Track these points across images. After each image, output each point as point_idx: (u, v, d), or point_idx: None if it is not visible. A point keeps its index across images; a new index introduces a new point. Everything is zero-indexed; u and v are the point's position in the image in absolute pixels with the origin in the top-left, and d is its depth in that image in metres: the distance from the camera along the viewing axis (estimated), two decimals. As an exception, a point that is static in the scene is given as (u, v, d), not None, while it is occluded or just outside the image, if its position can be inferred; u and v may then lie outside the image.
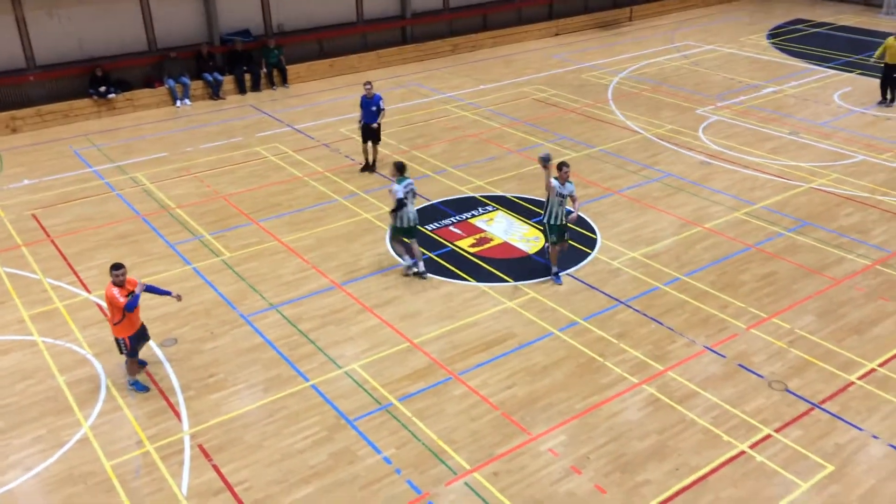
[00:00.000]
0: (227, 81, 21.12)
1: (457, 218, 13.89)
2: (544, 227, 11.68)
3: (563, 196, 11.28)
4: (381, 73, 22.71)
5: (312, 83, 22.24)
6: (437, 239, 13.16)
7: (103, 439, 8.70)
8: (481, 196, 14.71)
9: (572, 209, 11.56)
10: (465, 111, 19.49)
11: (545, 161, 11.10)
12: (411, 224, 11.66)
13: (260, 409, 9.21)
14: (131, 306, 9.02)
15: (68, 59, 19.51)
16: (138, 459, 8.42)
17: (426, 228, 13.41)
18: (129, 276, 9.18)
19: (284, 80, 21.93)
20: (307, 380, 9.69)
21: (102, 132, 18.44)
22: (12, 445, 8.63)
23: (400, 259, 12.15)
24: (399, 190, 11.47)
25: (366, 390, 9.48)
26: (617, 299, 11.31)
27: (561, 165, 11.27)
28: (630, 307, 11.11)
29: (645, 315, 10.91)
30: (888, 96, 19.14)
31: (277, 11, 22.43)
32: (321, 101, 20.69)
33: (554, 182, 11.20)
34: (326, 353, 10.20)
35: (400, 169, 11.74)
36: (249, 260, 12.47)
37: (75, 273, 12.15)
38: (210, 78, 20.79)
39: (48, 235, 13.35)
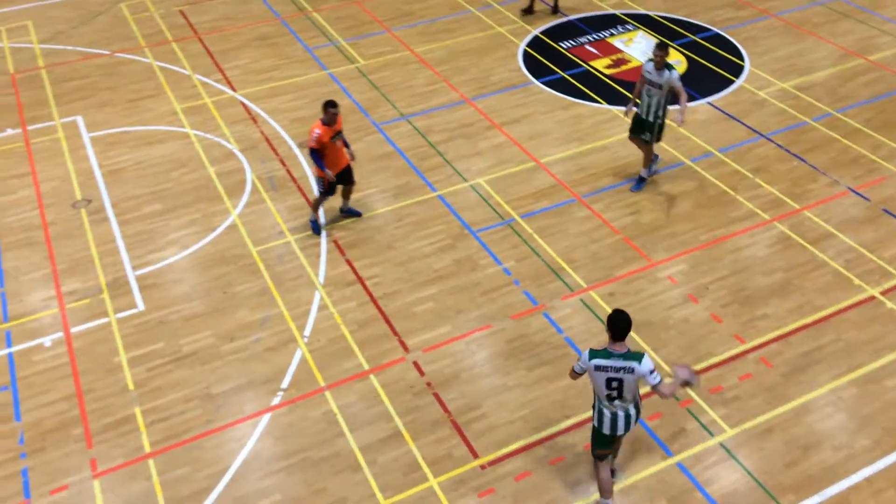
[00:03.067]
0: None
1: (594, 36, 13.28)
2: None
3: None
4: None
5: None
6: (571, 58, 12.72)
7: (250, 227, 9.49)
8: (622, 13, 13.91)
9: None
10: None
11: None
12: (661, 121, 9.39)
13: (390, 213, 9.69)
14: (317, 157, 8.62)
15: None
16: (281, 248, 9.18)
17: (560, 46, 12.95)
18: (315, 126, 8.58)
19: None
20: (434, 190, 10.02)
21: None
22: (170, 225, 9.57)
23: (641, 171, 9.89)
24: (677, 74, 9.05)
25: (490, 205, 9.73)
26: (758, 132, 10.77)
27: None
28: (772, 141, 10.59)
29: (787, 151, 10.39)
30: None
31: None
32: None
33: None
34: (454, 165, 10.43)
35: (662, 50, 8.96)
36: (383, 69, 12.57)
37: (221, 71, 12.68)
38: None
39: (195, 32, 13.85)
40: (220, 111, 11.65)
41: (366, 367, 7.74)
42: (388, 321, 8.22)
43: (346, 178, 9.19)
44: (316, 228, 9.37)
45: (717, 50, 12.74)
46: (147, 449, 7.03)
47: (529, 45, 13.12)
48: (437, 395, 7.44)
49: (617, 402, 5.79)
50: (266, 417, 7.29)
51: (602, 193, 9.85)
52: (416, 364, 7.76)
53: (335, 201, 9.55)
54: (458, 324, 8.16)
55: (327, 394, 7.48)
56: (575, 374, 5.91)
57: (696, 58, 12.58)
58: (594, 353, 5.69)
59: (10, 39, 13.70)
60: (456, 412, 7.28)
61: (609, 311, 8.13)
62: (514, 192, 9.94)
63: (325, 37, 13.56)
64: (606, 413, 5.89)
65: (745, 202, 9.60)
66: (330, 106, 8.56)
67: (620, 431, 5.95)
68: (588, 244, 9.12)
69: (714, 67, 12.27)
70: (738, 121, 11.05)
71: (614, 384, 5.68)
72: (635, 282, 8.60)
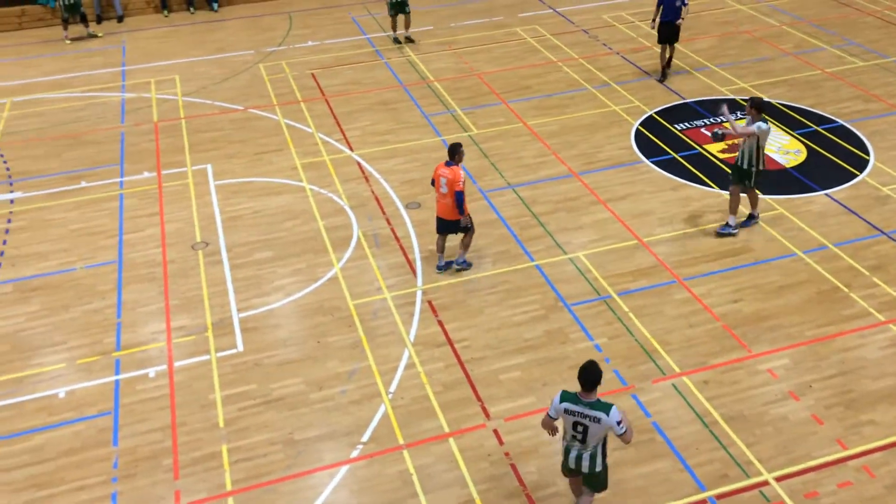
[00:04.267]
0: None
1: (710, 120, 13.14)
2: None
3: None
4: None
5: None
6: (684, 139, 12.61)
7: (350, 281, 9.82)
8: (742, 99, 13.71)
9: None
10: (741, 5, 17.91)
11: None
12: (762, 167, 10.03)
13: (486, 278, 9.79)
14: (463, 198, 9.21)
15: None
16: (377, 303, 9.43)
17: (675, 127, 12.89)
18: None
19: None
20: (532, 259, 10.06)
21: (378, 1, 19.47)
22: (277, 272, 10.03)
23: (729, 219, 10.32)
24: (764, 126, 9.69)
25: (587, 279, 9.67)
26: (879, 229, 10.25)
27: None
28: (893, 240, 10.03)
29: (909, 251, 9.82)
30: None
31: None
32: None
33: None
34: (555, 237, 10.46)
35: (759, 108, 9.77)
36: (494, 138, 12.87)
37: (342, 131, 13.36)
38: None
39: (323, 94, 14.71)
40: (336, 168, 12.23)
41: (446, 429, 7.75)
42: (472, 386, 8.23)
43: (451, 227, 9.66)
44: (466, 264, 9.89)
45: (841, 142, 12.32)
46: (228, 487, 7.27)
47: (643, 124, 13.13)
48: (514, 467, 7.33)
49: (578, 444, 6.13)
50: (344, 469, 7.39)
51: (704, 278, 9.59)
52: (496, 432, 7.70)
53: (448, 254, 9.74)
54: (543, 396, 8.06)
55: (405, 452, 7.52)
56: (549, 419, 6.22)
57: (817, 148, 12.20)
58: (565, 396, 6.04)
59: (158, 91, 15.00)
60: (532, 486, 7.14)
61: (703, 400, 7.88)
62: (613, 268, 9.84)
63: (443, 105, 14.07)
64: (570, 450, 6.24)
65: (860, 300, 9.09)
66: (461, 146, 9.32)
67: (582, 470, 6.24)
68: (685, 328, 8.86)
69: (836, 159, 11.85)
70: (858, 216, 10.56)
71: (579, 428, 6.05)
72: (732, 372, 8.25)
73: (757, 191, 10.37)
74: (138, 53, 16.84)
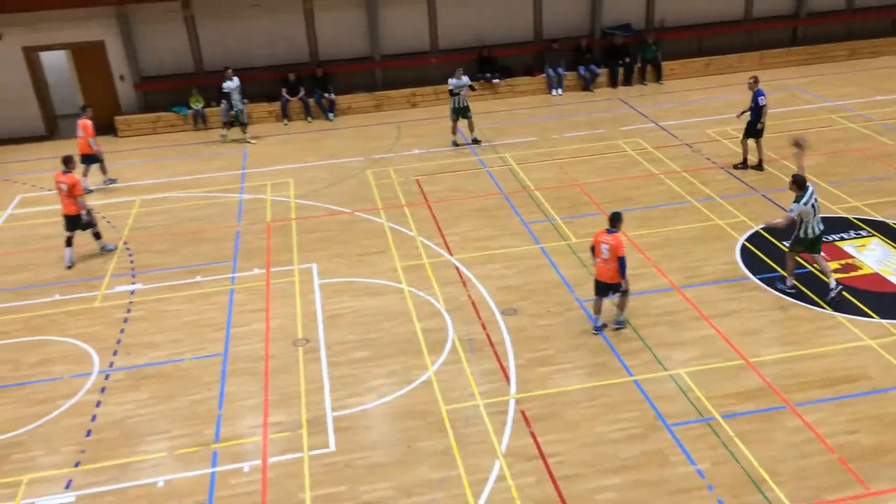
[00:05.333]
0: (601, 74, 21.67)
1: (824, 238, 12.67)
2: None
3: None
4: (761, 75, 21.35)
5: (685, 81, 21.80)
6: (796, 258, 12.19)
7: (443, 385, 9.81)
8: (855, 218, 13.24)
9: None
10: (852, 123, 17.57)
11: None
12: (816, 234, 10.97)
13: (582, 391, 9.57)
14: (624, 262, 10.14)
15: (464, 45, 21.69)
16: (469, 410, 9.34)
17: (783, 244, 12.52)
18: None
19: (658, 77, 21.82)
20: (631, 374, 9.79)
21: (483, 113, 20.23)
22: (372, 373, 10.15)
23: (784, 278, 11.43)
24: (797, 208, 10.80)
25: (688, 398, 9.29)
26: None
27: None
28: None
29: None
30: None
31: (662, 6, 22.32)
32: (691, 99, 20.22)
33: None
34: (654, 351, 10.18)
35: (800, 184, 10.88)
36: (594, 248, 12.85)
37: (442, 235, 13.68)
38: (584, 70, 21.52)
39: (426, 199, 15.19)
40: (434, 272, 12.47)
41: (535, 549, 7.44)
42: (565, 505, 7.93)
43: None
44: (623, 324, 10.67)
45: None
46: (311, 590, 7.16)
47: (749, 239, 12.83)
48: None
49: None
50: (428, 583, 7.17)
51: (818, 405, 9.04)
52: (588, 557, 7.33)
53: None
54: (639, 522, 7.67)
55: (492, 570, 7.24)
56: None
57: (939, 270, 11.55)
58: None
59: (273, 193, 15.90)
60: None
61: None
62: (717, 388, 9.43)
63: (542, 213, 14.24)
64: None
65: None
66: (621, 215, 10.27)
67: None
68: (797, 458, 8.31)
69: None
70: None
71: None
72: (849, 511, 7.63)
73: (798, 259, 11.36)
74: (258, 158, 18.03)
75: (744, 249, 12.56)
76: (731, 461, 8.33)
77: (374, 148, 18.24)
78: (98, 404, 9.79)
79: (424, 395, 9.65)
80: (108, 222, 14.81)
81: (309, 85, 20.55)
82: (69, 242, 13.29)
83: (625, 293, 10.50)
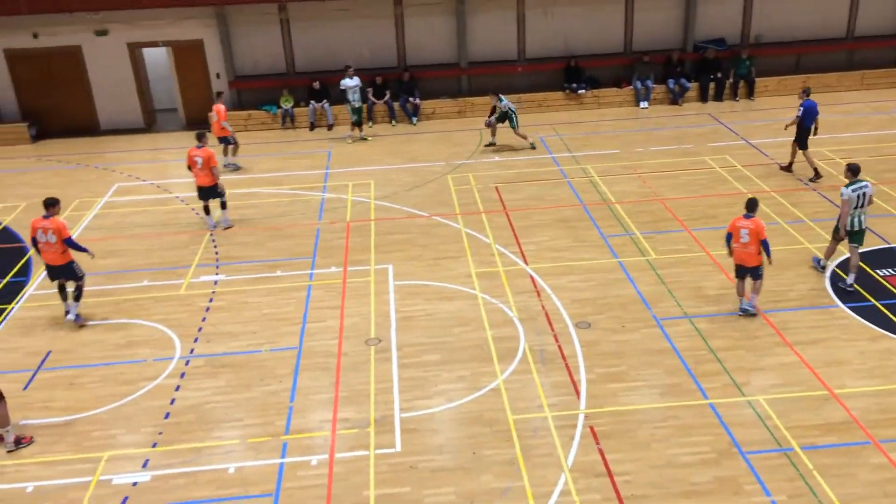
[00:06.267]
0: (691, 88, 21.19)
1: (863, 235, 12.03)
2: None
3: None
4: (860, 96, 20.52)
5: (779, 98, 21.07)
6: (887, 287, 11.61)
7: (512, 394, 9.74)
8: (959, 249, 12.51)
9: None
10: (960, 148, 16.61)
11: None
12: (856, 228, 11.45)
13: (654, 410, 9.34)
14: (767, 244, 10.70)
15: (552, 54, 21.59)
16: (537, 421, 9.25)
17: (877, 272, 11.93)
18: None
19: (750, 93, 21.19)
20: (706, 397, 9.50)
21: (567, 123, 20.08)
22: (441, 377, 10.17)
23: (817, 259, 12.22)
24: (845, 192, 11.30)
25: (767, 426, 8.94)
26: None
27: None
28: None
29: None
30: None
31: (759, 22, 21.67)
32: (785, 118, 19.48)
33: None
34: (732, 376, 9.85)
35: (854, 171, 11.48)
36: (674, 265, 12.55)
37: (519, 244, 13.62)
38: (674, 84, 21.08)
39: (504, 207, 15.16)
40: (509, 280, 12.41)
41: (597, 568, 7.29)
42: (630, 525, 7.74)
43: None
44: (752, 309, 11.05)
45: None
46: (370, 588, 7.21)
47: (840, 266, 12.28)
48: None
49: None
50: (485, 591, 7.12)
51: (906, 443, 8.56)
52: (651, 581, 7.13)
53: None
54: (707, 549, 7.42)
55: (551, 585, 7.12)
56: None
57: None
58: None
59: (354, 193, 16.17)
60: None
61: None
62: (797, 418, 9.05)
63: (622, 227, 14.00)
64: None
65: None
66: (758, 200, 10.99)
67: None
68: (880, 497, 7.88)
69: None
70: None
71: None
72: (937, 559, 7.18)
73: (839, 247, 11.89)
74: (341, 158, 18.38)
75: (834, 276, 12.02)
76: (809, 495, 7.97)
77: (456, 153, 18.34)
78: (177, 388, 10.15)
79: (492, 402, 9.61)
80: (197, 214, 15.36)
81: (395, 89, 20.85)
82: (207, 210, 14.81)
83: (761, 276, 10.89)
